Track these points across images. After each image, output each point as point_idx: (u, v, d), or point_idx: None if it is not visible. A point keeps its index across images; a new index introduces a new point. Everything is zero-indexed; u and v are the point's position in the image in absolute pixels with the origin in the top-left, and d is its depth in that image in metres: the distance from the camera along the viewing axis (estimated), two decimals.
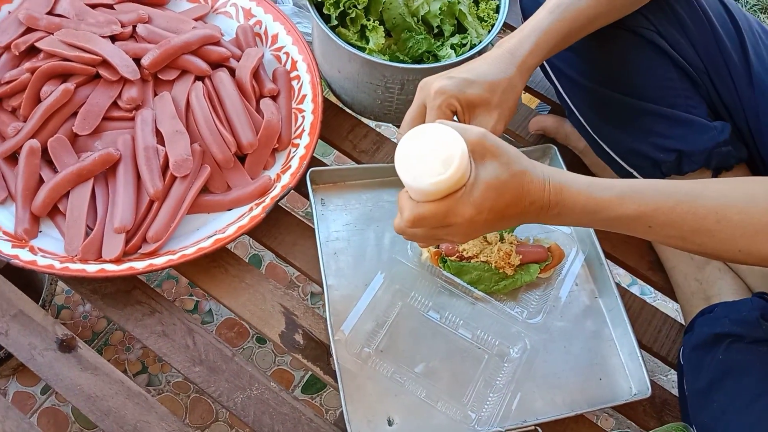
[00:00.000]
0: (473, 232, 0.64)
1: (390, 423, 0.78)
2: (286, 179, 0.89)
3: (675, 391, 0.83)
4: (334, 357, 0.79)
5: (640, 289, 1.40)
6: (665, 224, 0.63)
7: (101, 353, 1.24)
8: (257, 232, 0.89)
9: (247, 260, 1.34)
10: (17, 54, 0.92)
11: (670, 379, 1.18)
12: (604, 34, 0.85)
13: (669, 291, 0.93)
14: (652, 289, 1.02)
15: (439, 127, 0.60)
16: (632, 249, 0.95)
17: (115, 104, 0.91)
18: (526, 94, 1.34)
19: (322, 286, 0.85)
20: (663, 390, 0.85)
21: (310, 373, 1.24)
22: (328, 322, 0.81)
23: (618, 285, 0.88)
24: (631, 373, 0.84)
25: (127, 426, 0.75)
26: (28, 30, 0.94)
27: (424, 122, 0.72)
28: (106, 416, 0.75)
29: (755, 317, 0.76)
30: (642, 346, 0.88)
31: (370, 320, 0.83)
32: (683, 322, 0.91)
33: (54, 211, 0.86)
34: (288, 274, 1.35)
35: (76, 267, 0.79)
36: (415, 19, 0.90)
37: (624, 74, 0.85)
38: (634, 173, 0.89)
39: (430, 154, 0.59)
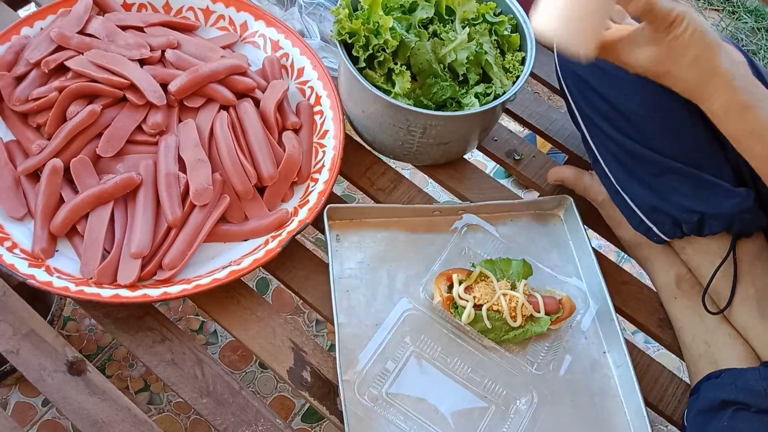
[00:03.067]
0: None
1: None
2: (304, 214, 0.90)
3: None
4: (342, 398, 0.79)
5: (644, 337, 1.40)
6: None
7: (104, 369, 1.24)
8: (271, 264, 0.89)
9: (254, 284, 1.35)
10: (46, 71, 0.93)
11: None
12: (640, 88, 0.85)
13: (676, 349, 0.93)
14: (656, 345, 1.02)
15: None
16: (642, 305, 0.95)
17: (139, 128, 0.92)
18: (539, 138, 1.35)
19: (332, 324, 0.85)
20: None
21: None
22: (338, 362, 0.81)
23: (627, 341, 0.88)
24: (635, 430, 0.84)
25: None
26: (59, 48, 0.95)
27: None
28: None
29: (763, 387, 0.77)
30: (647, 403, 0.88)
31: (379, 362, 0.83)
32: (688, 381, 0.91)
33: (72, 232, 0.86)
34: (294, 300, 1.36)
35: (91, 291, 0.80)
36: (442, 65, 0.91)
37: (655, 131, 0.86)
38: (654, 228, 0.89)
39: None
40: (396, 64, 0.89)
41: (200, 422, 1.21)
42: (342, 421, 0.78)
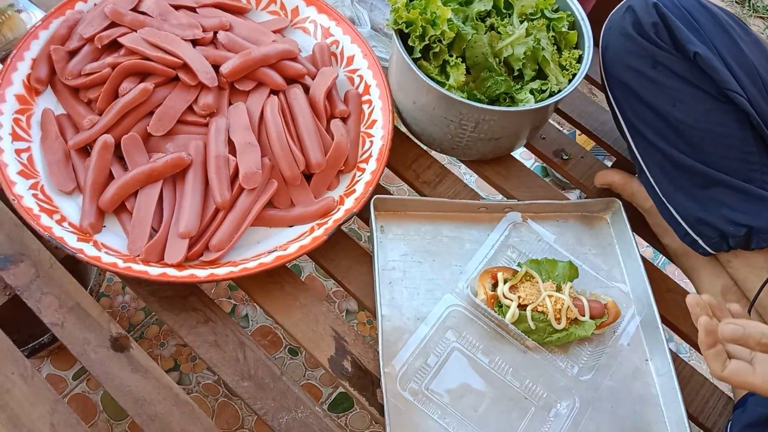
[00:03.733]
0: None
1: None
2: (350, 203, 0.89)
3: None
4: (383, 390, 0.79)
5: (675, 347, 1.38)
6: None
7: None
8: (315, 252, 0.88)
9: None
10: (99, 47, 0.93)
11: None
12: (688, 96, 0.84)
13: None
14: (687, 347, 1.01)
15: None
16: (686, 315, 0.93)
17: (190, 109, 0.92)
18: (582, 135, 1.34)
19: (375, 315, 0.85)
20: None
21: (338, 390, 1.24)
22: (380, 354, 0.81)
23: (670, 350, 0.87)
24: None
25: None
26: (112, 24, 0.95)
27: None
28: (152, 421, 0.76)
29: None
30: (689, 415, 0.86)
31: (421, 357, 0.83)
32: (730, 395, 0.89)
33: (120, 209, 0.86)
34: (326, 288, 1.35)
35: (138, 268, 0.80)
36: (497, 60, 0.90)
37: (703, 142, 0.84)
38: (700, 241, 0.88)
39: None
40: (451, 56, 0.88)
41: (228, 405, 1.21)
42: (382, 414, 0.78)
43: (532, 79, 0.90)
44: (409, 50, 0.89)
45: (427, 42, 0.87)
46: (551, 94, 0.89)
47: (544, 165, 1.48)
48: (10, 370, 0.76)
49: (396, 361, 0.81)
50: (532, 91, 0.89)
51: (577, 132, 1.46)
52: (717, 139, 0.84)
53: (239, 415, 1.21)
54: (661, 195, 0.89)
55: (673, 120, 0.85)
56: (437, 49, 0.88)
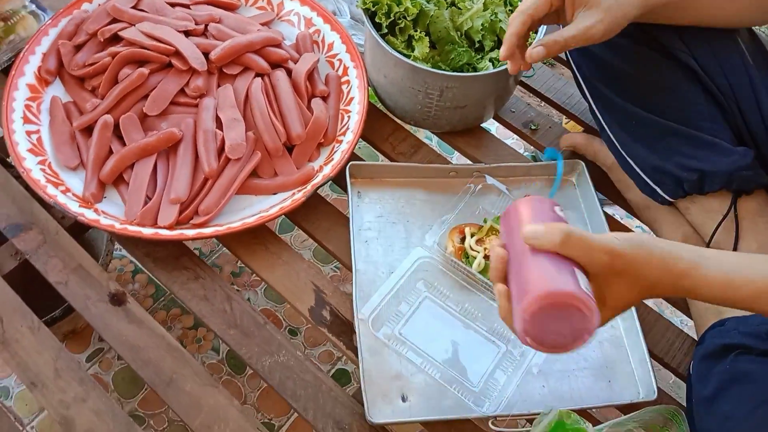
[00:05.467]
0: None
1: (404, 399, 0.83)
2: (328, 170, 0.96)
3: (681, 401, 0.86)
4: (357, 334, 0.85)
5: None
6: None
7: None
8: (297, 215, 0.96)
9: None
10: (102, 40, 1.03)
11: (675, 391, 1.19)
12: (640, 56, 0.91)
13: (684, 308, 0.96)
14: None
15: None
16: None
17: (182, 91, 1.01)
18: (570, 122, 1.40)
19: (351, 270, 0.91)
20: (669, 398, 0.88)
21: (336, 367, 1.30)
22: (354, 302, 0.87)
23: None
24: (639, 378, 0.87)
25: (164, 376, 0.82)
26: (114, 20, 1.05)
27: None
28: (146, 365, 0.83)
29: (765, 330, 0.79)
30: (654, 356, 0.91)
31: (393, 304, 0.89)
32: (695, 337, 0.94)
33: (118, 180, 0.95)
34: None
35: (134, 229, 0.88)
36: (459, 33, 0.97)
37: (655, 95, 0.90)
38: (658, 190, 0.93)
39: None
40: (416, 31, 0.96)
41: (231, 383, 1.28)
42: (357, 356, 0.84)
43: (492, 50, 0.97)
44: (378, 28, 0.97)
45: (393, 18, 0.95)
46: None
47: (534, 154, 1.54)
48: (19, 323, 0.85)
49: (369, 308, 0.88)
50: (492, 60, 0.96)
51: (564, 119, 1.53)
52: (668, 93, 0.90)
53: (242, 391, 1.27)
54: (620, 148, 0.95)
55: (628, 77, 0.92)
56: (402, 25, 0.96)
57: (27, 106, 0.98)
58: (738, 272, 0.63)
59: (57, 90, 1.02)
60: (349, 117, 1.03)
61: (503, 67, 0.93)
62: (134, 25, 1.04)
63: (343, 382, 1.30)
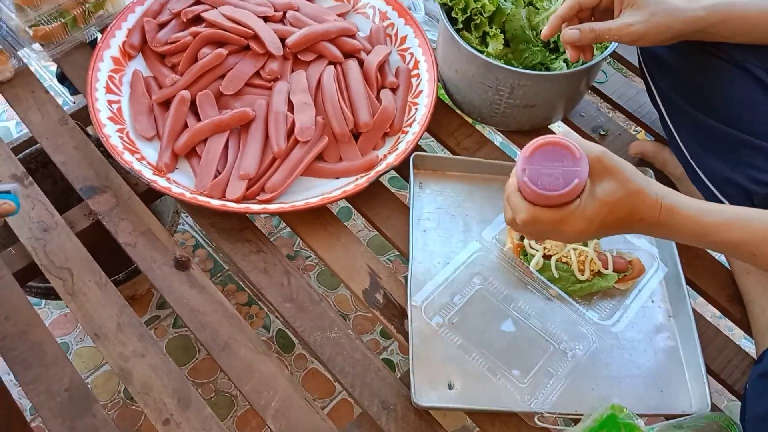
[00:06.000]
0: (580, 239, 0.69)
1: (450, 387, 0.83)
2: (392, 159, 0.98)
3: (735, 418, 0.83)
4: (410, 319, 0.86)
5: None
6: None
7: None
8: (358, 201, 0.98)
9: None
10: (185, 21, 1.08)
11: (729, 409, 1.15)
12: (715, 67, 0.89)
13: (747, 326, 0.93)
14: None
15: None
16: (714, 280, 0.96)
17: (257, 74, 1.04)
18: (641, 132, 1.38)
19: (407, 257, 0.92)
20: (722, 413, 0.86)
21: (382, 357, 1.31)
22: (408, 288, 0.88)
23: (694, 309, 0.90)
24: (693, 391, 0.85)
25: (220, 340, 0.85)
26: (198, 2, 1.10)
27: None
28: (204, 328, 0.86)
29: None
30: (710, 371, 0.88)
31: (446, 294, 0.89)
32: (755, 356, 0.91)
33: (191, 154, 0.99)
34: None
35: (203, 199, 0.91)
36: (534, 32, 0.97)
37: (728, 106, 0.89)
38: (726, 202, 0.91)
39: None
40: (491, 27, 0.97)
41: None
42: (407, 341, 0.85)
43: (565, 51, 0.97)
44: (453, 23, 0.99)
45: (469, 14, 0.97)
46: (583, 63, 0.95)
47: None
48: (88, 278, 0.89)
49: (423, 295, 0.88)
50: (566, 61, 0.96)
51: (635, 127, 1.50)
52: (742, 104, 0.88)
53: (289, 370, 1.29)
54: (689, 158, 0.93)
55: (701, 87, 0.90)
56: (478, 21, 0.97)
57: (110, 77, 1.03)
58: (712, 205, 0.69)
59: (139, 64, 1.07)
60: (416, 109, 1.04)
61: (576, 68, 0.93)
62: (216, 7, 1.08)
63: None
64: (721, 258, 0.99)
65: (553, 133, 1.08)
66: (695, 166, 0.93)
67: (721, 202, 0.91)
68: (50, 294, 1.07)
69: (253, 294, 1.32)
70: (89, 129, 1.11)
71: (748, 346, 0.94)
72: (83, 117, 1.12)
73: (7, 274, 0.89)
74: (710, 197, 0.93)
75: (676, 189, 1.00)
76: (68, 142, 1.00)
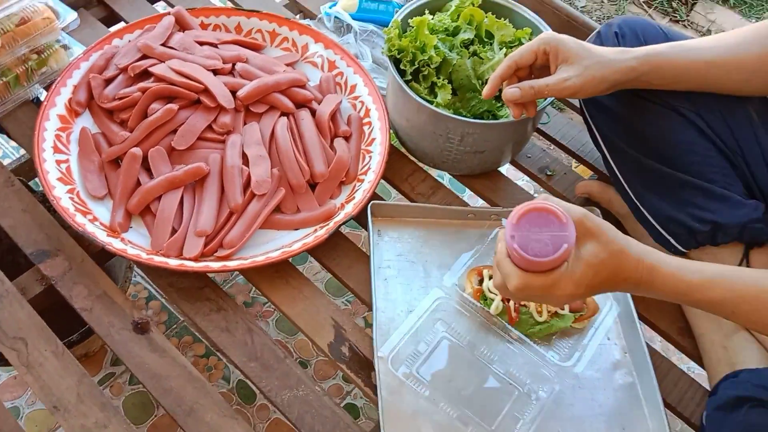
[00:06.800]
0: (570, 300, 0.72)
1: None
2: (350, 208, 0.99)
3: None
4: (377, 372, 0.86)
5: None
6: (749, 311, 0.70)
7: None
8: (318, 252, 0.98)
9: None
10: (132, 75, 1.06)
11: None
12: (652, 112, 0.94)
13: (697, 357, 0.97)
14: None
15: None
16: (664, 314, 1.00)
17: (209, 127, 1.04)
18: (579, 166, 1.43)
19: (371, 308, 0.93)
20: None
21: (345, 401, 1.30)
22: (374, 340, 0.88)
23: (648, 345, 0.93)
24: (653, 427, 0.88)
25: (185, 406, 0.83)
26: (144, 57, 1.09)
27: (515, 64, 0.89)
28: (167, 394, 0.84)
29: None
30: (667, 405, 0.91)
31: (411, 344, 0.90)
32: (709, 388, 0.95)
33: (145, 212, 0.97)
34: None
35: (160, 259, 0.90)
36: (480, 81, 1.01)
37: (668, 148, 0.93)
38: (671, 240, 0.95)
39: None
40: (439, 78, 1.00)
41: (240, 412, 1.27)
42: (375, 393, 0.85)
43: None
44: (402, 74, 1.01)
45: (417, 66, 0.99)
46: None
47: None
48: (44, 347, 0.86)
49: (388, 347, 0.89)
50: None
51: (574, 163, 1.56)
52: (680, 146, 0.93)
53: (251, 422, 1.27)
54: (634, 198, 0.97)
55: (641, 131, 0.95)
56: (426, 72, 0.99)
57: (57, 136, 1.01)
58: (691, 264, 0.71)
59: (86, 121, 1.05)
60: (370, 157, 1.06)
61: (522, 117, 0.96)
62: (164, 61, 1.07)
63: (352, 416, 1.30)
64: None
65: (502, 175, 1.12)
66: (639, 206, 0.97)
67: (666, 239, 0.96)
68: None
69: (211, 345, 1.29)
70: (32, 183, 1.08)
71: (701, 378, 0.98)
72: (26, 171, 1.09)
73: None
74: (656, 235, 0.97)
75: (622, 227, 1.06)
76: (16, 205, 0.97)
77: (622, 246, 0.69)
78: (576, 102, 1.20)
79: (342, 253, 0.99)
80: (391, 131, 1.09)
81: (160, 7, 1.33)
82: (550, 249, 0.66)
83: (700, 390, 0.95)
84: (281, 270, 0.96)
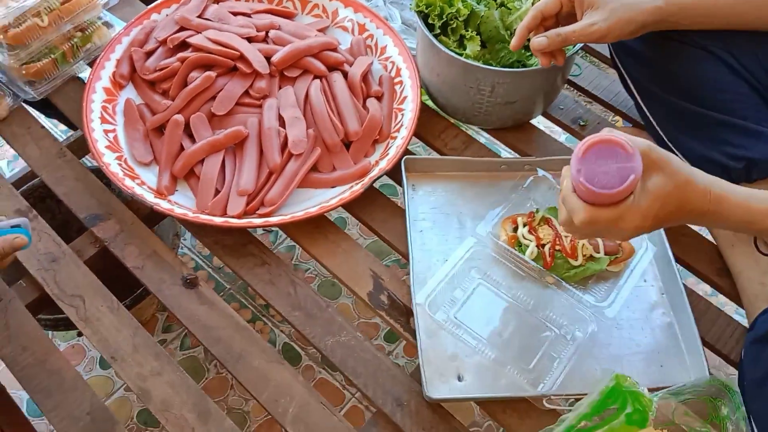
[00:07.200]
0: (637, 234, 0.70)
1: (460, 379, 0.86)
2: (384, 164, 1.01)
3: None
4: (415, 317, 0.89)
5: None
6: None
7: None
8: (355, 207, 1.01)
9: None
10: (171, 47, 1.11)
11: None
12: (682, 52, 0.94)
13: (735, 297, 0.97)
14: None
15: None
16: (701, 255, 1.00)
17: (246, 93, 1.08)
18: (620, 120, 1.42)
19: (407, 259, 0.95)
20: (720, 378, 0.89)
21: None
22: (411, 288, 0.91)
23: (685, 285, 0.94)
24: (691, 363, 0.88)
25: (233, 353, 0.87)
26: (182, 29, 1.13)
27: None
28: (217, 343, 0.88)
29: None
30: (705, 343, 0.92)
31: (448, 290, 0.93)
32: (747, 326, 0.95)
33: (189, 175, 1.02)
34: None
35: (205, 217, 0.94)
36: (509, 32, 1.01)
37: (699, 88, 0.93)
38: None
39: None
40: (467, 30, 1.01)
41: None
42: (414, 338, 0.88)
43: None
44: (431, 29, 1.02)
45: (445, 20, 1.00)
46: None
47: None
48: (100, 303, 0.91)
49: (425, 293, 0.91)
50: None
51: (613, 116, 1.55)
52: (712, 85, 0.92)
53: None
54: (668, 142, 0.97)
55: (672, 73, 0.95)
56: (454, 25, 1.01)
57: (104, 108, 1.06)
58: (760, 192, 0.70)
59: (130, 93, 1.10)
60: (402, 115, 1.08)
61: (552, 65, 0.97)
62: (200, 32, 1.11)
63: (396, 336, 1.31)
64: (706, 233, 1.03)
65: (534, 127, 1.13)
66: (673, 148, 0.97)
67: None
68: (59, 325, 1.09)
69: (257, 311, 1.34)
70: (82, 160, 1.14)
71: (739, 318, 0.98)
72: (75, 149, 1.15)
73: (20, 306, 0.91)
74: None
75: None
76: (68, 174, 1.03)
77: (688, 176, 0.67)
78: (607, 53, 1.20)
79: (378, 208, 1.02)
80: (422, 89, 1.11)
81: None
82: (617, 180, 0.64)
83: (739, 328, 0.94)
84: (320, 226, 0.99)
